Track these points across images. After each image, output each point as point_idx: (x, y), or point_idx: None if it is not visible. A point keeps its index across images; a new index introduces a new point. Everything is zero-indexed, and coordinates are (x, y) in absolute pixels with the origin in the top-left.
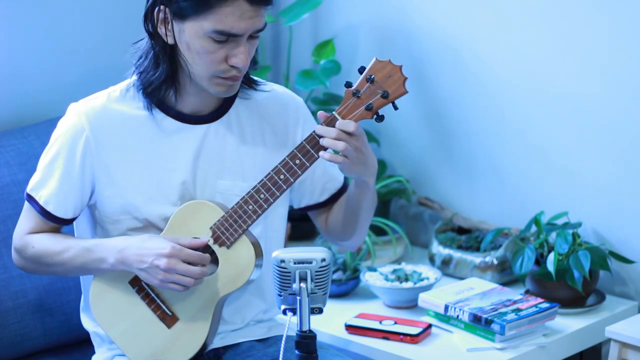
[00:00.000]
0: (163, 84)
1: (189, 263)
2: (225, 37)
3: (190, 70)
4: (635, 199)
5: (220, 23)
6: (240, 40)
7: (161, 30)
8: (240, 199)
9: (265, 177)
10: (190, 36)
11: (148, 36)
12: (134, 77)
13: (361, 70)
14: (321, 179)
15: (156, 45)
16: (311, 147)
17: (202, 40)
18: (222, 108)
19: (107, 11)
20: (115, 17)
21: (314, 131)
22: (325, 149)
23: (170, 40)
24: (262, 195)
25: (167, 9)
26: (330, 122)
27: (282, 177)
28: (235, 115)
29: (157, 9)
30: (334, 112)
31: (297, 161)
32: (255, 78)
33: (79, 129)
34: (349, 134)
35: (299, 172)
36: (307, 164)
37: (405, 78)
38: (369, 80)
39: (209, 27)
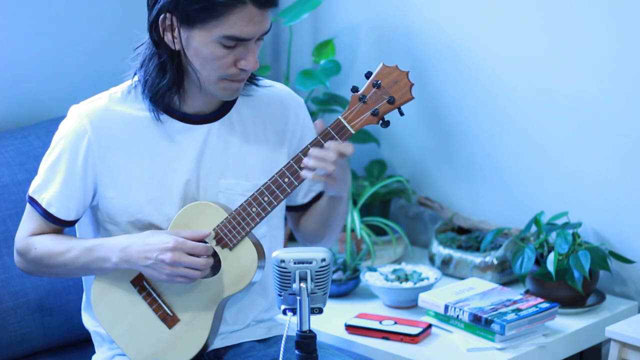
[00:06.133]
0: (169, 90)
1: (193, 255)
2: (234, 42)
3: (198, 75)
4: (635, 199)
5: (230, 29)
6: (249, 44)
7: (167, 37)
8: (244, 201)
9: (270, 180)
10: (199, 42)
11: (153, 45)
12: (135, 78)
13: (368, 75)
14: (307, 180)
15: (162, 53)
16: None
17: (211, 46)
18: (224, 107)
19: (107, 11)
20: (115, 17)
21: (319, 138)
22: None
23: (177, 47)
24: (266, 198)
25: (173, 17)
26: (336, 127)
27: (286, 180)
28: (237, 114)
29: (162, 16)
30: (339, 117)
31: (302, 164)
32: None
33: (81, 131)
34: (343, 155)
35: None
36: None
37: (412, 84)
38: (376, 85)
39: (218, 34)
